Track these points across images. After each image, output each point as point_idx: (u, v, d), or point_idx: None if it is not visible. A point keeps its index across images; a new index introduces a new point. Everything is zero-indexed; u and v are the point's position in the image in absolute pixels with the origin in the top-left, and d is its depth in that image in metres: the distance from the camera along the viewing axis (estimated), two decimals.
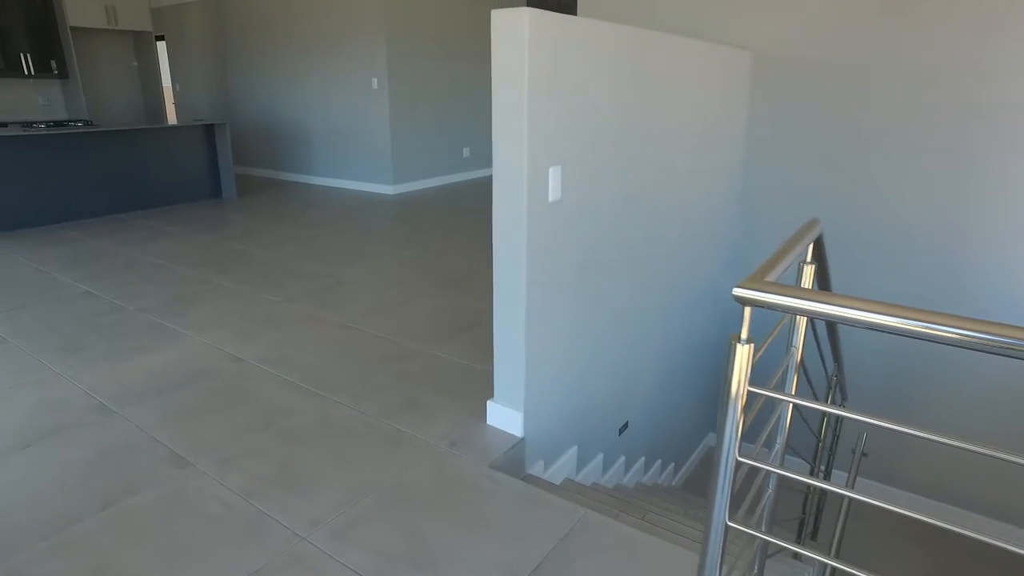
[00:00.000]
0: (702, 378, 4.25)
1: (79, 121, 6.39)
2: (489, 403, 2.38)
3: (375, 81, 6.87)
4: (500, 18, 2.02)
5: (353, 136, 7.27)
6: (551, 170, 2.19)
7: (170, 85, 9.52)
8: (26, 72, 7.06)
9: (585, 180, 2.38)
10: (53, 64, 7.26)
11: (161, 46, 9.07)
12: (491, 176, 2.24)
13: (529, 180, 2.10)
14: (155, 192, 6.43)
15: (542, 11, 2.02)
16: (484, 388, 2.69)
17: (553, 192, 2.23)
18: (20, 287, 4.02)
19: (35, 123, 6.27)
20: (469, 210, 6.34)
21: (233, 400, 2.59)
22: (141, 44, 8.03)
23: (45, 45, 7.19)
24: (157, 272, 4.30)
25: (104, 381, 2.75)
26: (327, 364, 2.91)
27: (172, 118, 9.80)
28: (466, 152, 8.10)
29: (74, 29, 7.28)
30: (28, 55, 7.04)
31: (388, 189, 7.15)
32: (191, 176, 6.72)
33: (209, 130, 6.81)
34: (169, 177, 6.53)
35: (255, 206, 6.54)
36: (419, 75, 7.20)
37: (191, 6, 8.84)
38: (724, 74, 3.56)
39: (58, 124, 5.93)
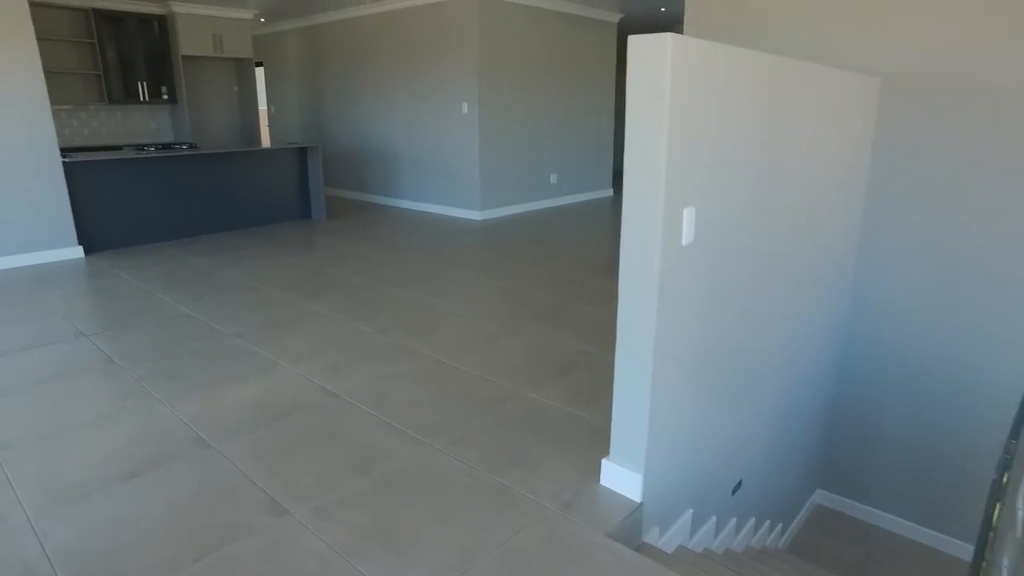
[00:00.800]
0: (811, 429, 3.89)
1: (184, 144, 6.67)
2: (604, 462, 2.17)
3: (465, 106, 6.86)
4: (639, 45, 1.84)
5: (441, 160, 7.28)
6: (685, 211, 1.99)
7: (265, 108, 9.89)
8: (141, 99, 7.45)
9: (717, 222, 2.16)
10: (164, 90, 7.64)
11: (259, 71, 9.44)
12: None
13: (664, 222, 1.91)
14: (250, 212, 6.60)
15: (685, 37, 1.83)
16: (592, 440, 2.48)
17: (687, 235, 2.02)
18: (127, 307, 4.12)
19: (146, 146, 6.59)
20: (558, 239, 6.18)
21: (328, 439, 2.48)
22: (242, 70, 8.37)
23: (159, 73, 7.58)
24: (251, 295, 4.33)
25: (202, 411, 2.71)
26: (423, 403, 2.78)
27: (266, 139, 10.16)
28: (553, 178, 7.98)
29: (184, 58, 7.64)
30: (144, 83, 7.43)
31: (475, 215, 7.09)
32: (283, 197, 6.87)
33: (302, 152, 6.96)
34: (263, 198, 6.70)
35: (344, 228, 6.60)
36: (509, 100, 7.15)
37: (289, 33, 9.17)
38: (853, 103, 3.27)
39: (166, 147, 6.20)
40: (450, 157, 7.17)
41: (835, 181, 3.24)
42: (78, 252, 5.43)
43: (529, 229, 6.62)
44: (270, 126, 10.07)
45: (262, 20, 8.86)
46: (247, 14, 7.89)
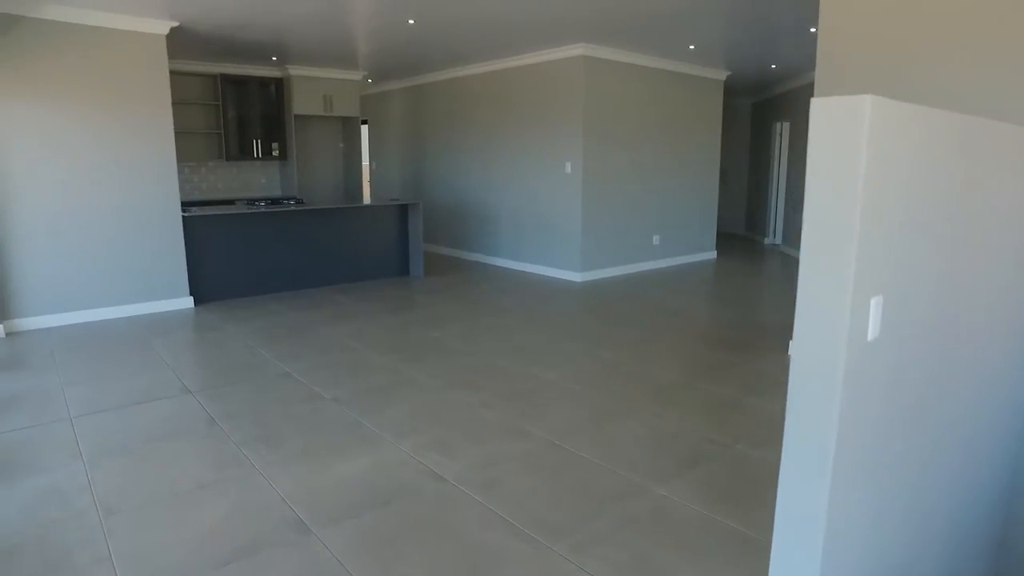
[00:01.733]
0: (982, 543, 3.30)
1: (292, 198, 6.89)
2: None
3: (568, 165, 6.74)
4: (828, 108, 1.57)
5: (541, 219, 7.14)
6: (873, 301, 1.66)
7: (367, 164, 10.19)
8: (255, 156, 7.80)
9: (906, 313, 1.81)
10: (275, 147, 7.98)
11: (362, 128, 9.77)
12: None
13: (851, 314, 1.58)
14: (350, 267, 6.66)
15: (885, 99, 1.55)
16: (739, 553, 2.12)
17: (873, 329, 1.68)
18: (231, 362, 4.11)
19: (257, 200, 6.84)
20: (665, 305, 5.84)
21: (436, 533, 2.24)
22: (348, 128, 8.66)
23: (272, 132, 7.94)
24: (351, 356, 4.23)
25: (301, 489, 2.54)
26: (538, 495, 2.50)
27: (367, 195, 10.44)
28: (656, 240, 7.68)
29: (296, 117, 7.98)
30: (258, 141, 7.80)
31: (575, 276, 6.87)
32: (383, 253, 6.91)
33: (403, 209, 7.02)
34: (363, 253, 6.75)
35: (442, 287, 6.52)
36: (612, 160, 6.98)
37: (393, 93, 9.48)
38: None
39: (275, 201, 6.41)
40: (550, 216, 7.03)
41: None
42: (189, 303, 5.58)
43: (632, 293, 6.32)
44: (371, 182, 10.36)
45: (369, 80, 9.22)
46: (357, 75, 8.20)
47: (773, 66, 7.67)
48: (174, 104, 7.24)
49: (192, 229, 5.60)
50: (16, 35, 4.61)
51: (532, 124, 7.08)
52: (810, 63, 7.54)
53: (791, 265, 8.04)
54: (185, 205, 6.66)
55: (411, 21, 5.26)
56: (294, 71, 7.68)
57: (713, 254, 8.66)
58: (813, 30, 5.62)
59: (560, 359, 4.20)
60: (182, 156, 7.37)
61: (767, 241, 10.30)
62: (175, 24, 5.23)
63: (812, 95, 8.40)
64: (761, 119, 10.43)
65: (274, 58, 7.08)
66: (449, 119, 8.34)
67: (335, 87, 8.08)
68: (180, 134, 7.35)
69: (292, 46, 6.44)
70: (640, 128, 7.24)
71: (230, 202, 7.42)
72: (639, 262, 7.53)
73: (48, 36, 4.74)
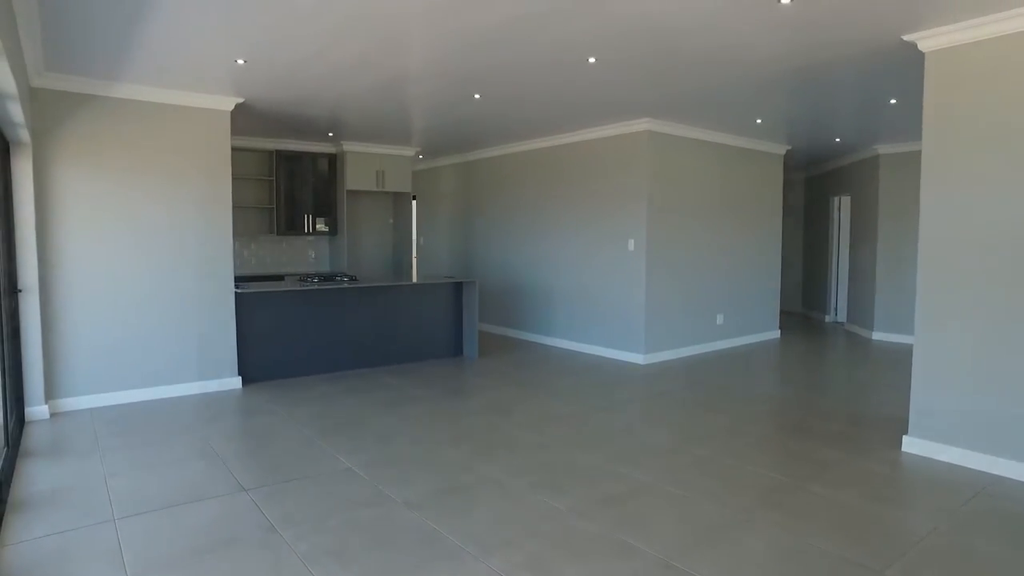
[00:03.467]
0: None
1: (343, 275, 6.70)
2: None
3: (632, 242, 6.46)
4: None
5: (601, 298, 6.81)
6: None
7: (414, 239, 10.08)
8: (306, 231, 7.71)
9: None
10: (325, 223, 7.90)
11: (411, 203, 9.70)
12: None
13: None
14: (402, 347, 6.37)
15: None
16: None
17: None
18: (286, 453, 3.76)
19: (308, 276, 6.66)
20: (740, 391, 5.39)
21: None
22: (398, 203, 8.58)
23: (323, 206, 7.88)
24: (416, 449, 3.85)
25: None
26: None
27: (414, 270, 10.29)
28: (720, 319, 7.28)
29: (348, 192, 7.93)
30: (310, 216, 7.72)
31: (638, 358, 6.46)
32: (436, 333, 6.62)
33: (457, 287, 6.77)
34: (416, 333, 6.47)
35: (500, 369, 6.16)
36: (676, 237, 6.70)
37: (443, 169, 9.45)
38: None
39: (327, 278, 6.23)
40: (611, 295, 6.70)
41: None
42: (236, 383, 5.30)
43: (703, 377, 5.88)
44: (418, 258, 10.23)
45: (420, 157, 9.22)
46: (409, 151, 8.18)
47: (837, 140, 7.43)
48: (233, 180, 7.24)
49: (243, 306, 5.40)
50: (85, 113, 4.59)
51: (592, 200, 6.88)
52: (876, 136, 7.29)
53: (862, 344, 7.52)
54: (236, 280, 6.52)
55: (477, 96, 5.15)
56: (348, 147, 7.67)
57: (777, 333, 8.20)
58: (893, 101, 5.38)
59: (646, 454, 3.76)
60: (235, 231, 7.30)
61: (828, 318, 9.80)
62: (240, 100, 5.20)
63: (877, 168, 8.15)
64: (816, 193, 10.14)
65: (330, 134, 7.08)
66: (501, 195, 8.22)
67: (387, 163, 8.05)
68: (234, 208, 7.30)
69: (348, 122, 6.41)
70: (703, 204, 6.98)
71: (279, 277, 7.27)
72: (703, 343, 7.11)
73: (116, 113, 4.71)
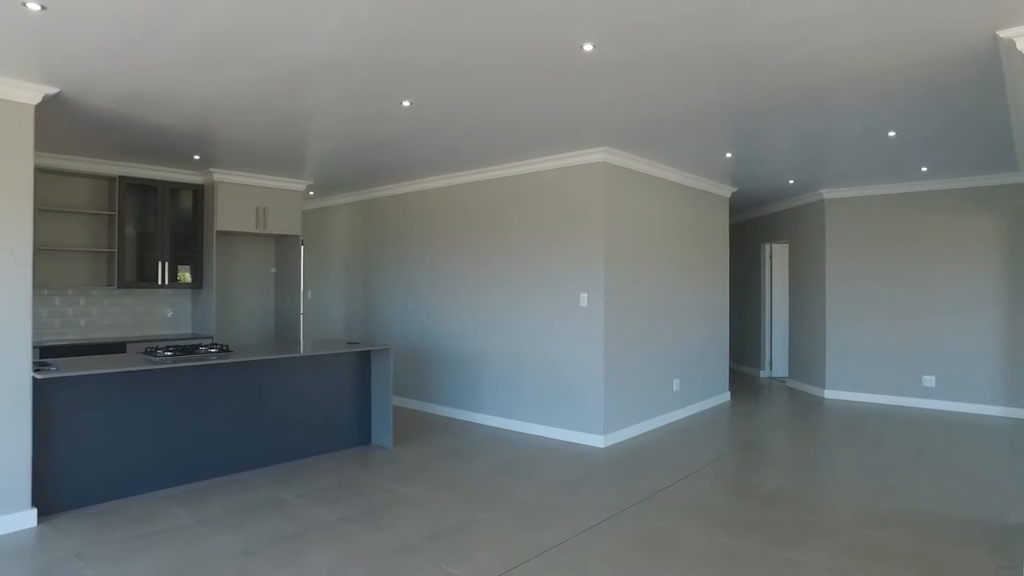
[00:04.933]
0: None
1: (213, 344, 4.99)
2: None
3: (584, 297, 5.28)
4: None
5: (550, 366, 5.52)
6: None
7: (302, 293, 8.37)
8: (160, 282, 5.89)
9: None
10: (188, 272, 6.13)
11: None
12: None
13: None
14: (292, 440, 4.73)
15: None
16: None
17: None
18: None
19: (160, 345, 4.88)
20: (743, 484, 4.27)
21: None
22: (284, 249, 6.95)
23: (184, 252, 6.12)
24: None
25: None
26: None
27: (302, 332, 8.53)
28: (676, 384, 6.22)
29: (219, 234, 6.24)
30: (165, 263, 5.92)
31: (598, 440, 5.20)
32: (337, 417, 5.04)
33: (363, 357, 5.25)
34: (310, 419, 4.86)
35: (425, 465, 4.67)
36: (633, 292, 5.61)
37: (338, 208, 7.93)
38: None
39: (187, 349, 4.48)
40: (561, 362, 5.44)
41: None
42: (27, 519, 3.45)
43: (683, 463, 4.71)
44: (304, 316, 8.49)
45: (311, 193, 7.66)
46: (300, 185, 6.63)
47: (791, 181, 6.76)
48: (52, 213, 5.37)
49: (49, 397, 3.62)
50: None
51: (536, 246, 5.66)
52: (822, 180, 6.69)
53: (820, 405, 6.74)
54: (45, 354, 4.67)
55: (406, 103, 3.81)
56: (220, 176, 6.01)
57: (727, 396, 7.29)
58: (892, 134, 4.64)
59: None
60: (54, 281, 5.39)
61: (763, 374, 9.13)
62: (52, 91, 3.54)
63: (822, 213, 7.56)
64: (743, 240, 9.58)
65: (196, 157, 5.42)
66: (417, 239, 6.81)
67: (271, 198, 6.45)
68: (55, 252, 5.41)
69: (220, 142, 4.83)
70: (658, 251, 5.98)
71: (120, 346, 5.40)
72: (661, 414, 6.01)
73: None
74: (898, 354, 6.97)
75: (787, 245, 8.77)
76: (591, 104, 3.88)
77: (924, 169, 6.04)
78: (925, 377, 6.82)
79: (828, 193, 7.35)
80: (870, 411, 6.63)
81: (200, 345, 4.65)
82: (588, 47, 2.93)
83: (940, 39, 2.95)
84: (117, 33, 2.80)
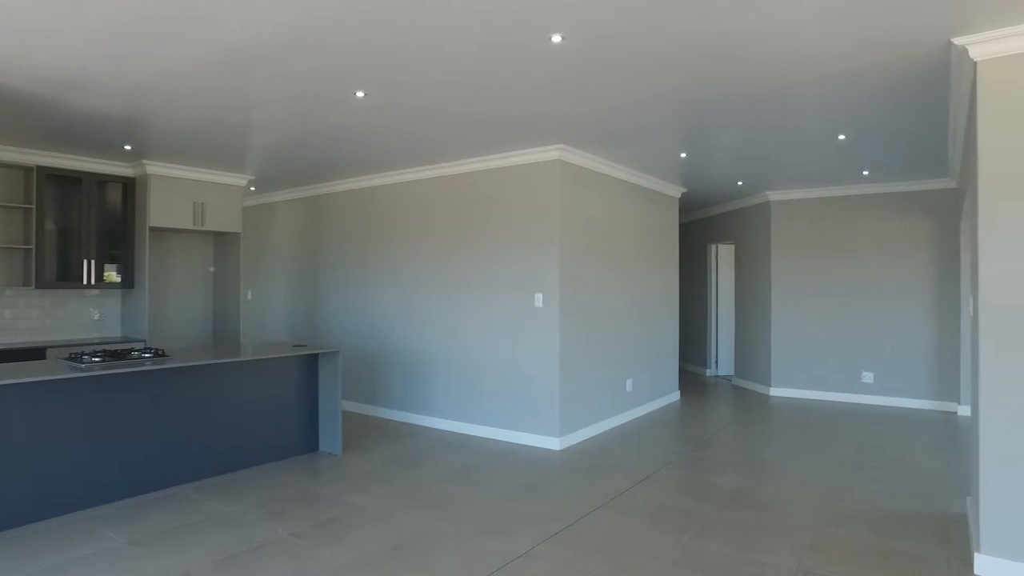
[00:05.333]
0: None
1: (146, 348, 4.64)
2: None
3: (539, 298, 5.19)
4: None
5: (505, 368, 5.40)
6: None
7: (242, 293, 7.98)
8: (85, 282, 5.47)
9: None
10: (117, 271, 5.72)
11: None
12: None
13: None
14: (234, 449, 4.46)
15: None
16: None
17: None
18: None
19: (83, 351, 4.51)
20: (706, 484, 4.27)
21: None
22: (223, 247, 6.59)
23: (115, 250, 5.71)
24: None
25: None
26: None
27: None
28: (629, 384, 6.22)
29: (152, 230, 5.85)
30: (91, 261, 5.51)
31: (554, 442, 5.12)
32: (282, 424, 4.79)
33: (310, 361, 5.01)
34: (254, 427, 4.60)
35: (377, 472, 4.49)
36: (588, 291, 5.56)
37: (280, 205, 7.60)
38: None
39: (117, 354, 4.14)
40: (515, 363, 5.33)
41: None
42: None
43: (643, 464, 4.69)
44: (243, 317, 8.09)
45: (252, 189, 7.30)
46: (241, 179, 6.30)
47: (740, 183, 6.88)
48: None
49: None
50: None
51: (490, 245, 5.54)
52: (768, 182, 6.83)
53: (767, 402, 6.88)
54: None
55: (360, 94, 3.63)
56: (154, 168, 5.64)
57: (678, 395, 7.36)
58: (842, 137, 4.74)
59: None
60: None
61: (709, 372, 9.29)
62: None
63: (768, 215, 7.74)
64: (690, 240, 9.73)
65: (127, 147, 5.05)
66: (366, 238, 6.58)
67: (210, 193, 6.10)
68: None
69: (155, 130, 4.51)
70: (612, 250, 5.95)
71: (39, 352, 4.98)
72: (616, 414, 5.99)
73: None
74: (839, 352, 7.19)
75: (733, 246, 8.94)
76: (551, 99, 3.79)
77: (866, 173, 6.23)
78: (864, 373, 7.06)
79: (773, 195, 7.52)
80: (814, 408, 6.81)
81: (132, 350, 4.32)
82: (556, 38, 2.83)
83: (901, 44, 3.00)
84: (35, 6, 2.52)
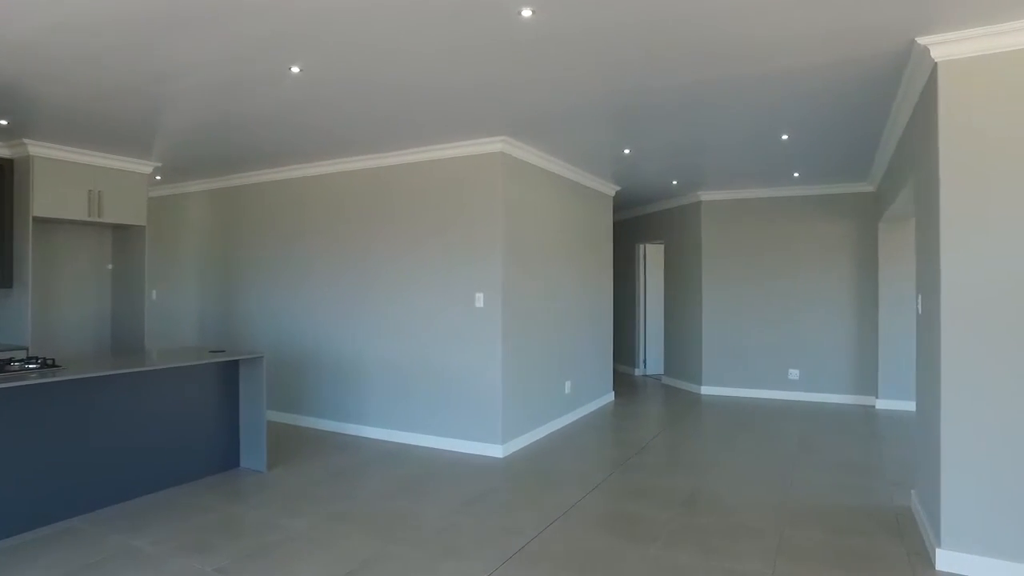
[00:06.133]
0: None
1: (30, 357, 3.98)
2: None
3: (480, 298, 4.92)
4: None
5: (443, 372, 5.08)
6: None
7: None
8: None
9: None
10: None
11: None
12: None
13: None
14: (143, 471, 3.91)
15: None
16: None
17: None
18: None
19: None
20: (661, 489, 4.13)
21: None
22: (123, 241, 5.90)
23: None
24: None
25: None
26: None
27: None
28: (568, 387, 6.05)
29: (36, 221, 5.14)
30: None
31: (496, 450, 4.85)
32: (198, 439, 4.27)
33: (230, 368, 4.52)
34: (166, 444, 4.06)
35: (309, 492, 4.06)
36: (529, 291, 5.34)
37: (191, 196, 6.93)
38: None
39: None
40: (454, 367, 5.03)
41: None
42: None
43: (590, 470, 4.51)
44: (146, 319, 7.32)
45: (158, 178, 6.60)
46: (146, 167, 5.64)
47: (675, 182, 6.87)
48: None
49: None
50: None
51: (427, 242, 5.20)
52: (701, 182, 6.88)
53: (698, 401, 6.93)
54: None
55: (295, 69, 3.23)
56: (37, 149, 4.93)
57: (612, 396, 7.29)
58: (785, 137, 4.76)
59: None
60: None
61: (637, 372, 9.33)
62: None
63: (699, 215, 7.80)
64: (618, 240, 9.73)
65: (2, 122, 4.36)
66: (288, 234, 6.07)
67: (108, 180, 5.43)
68: None
69: (40, 102, 3.89)
70: (550, 248, 5.77)
71: None
72: (555, 418, 5.80)
73: None
74: (768, 350, 7.35)
75: (662, 245, 9.00)
76: (499, 83, 3.54)
77: (796, 175, 6.37)
78: (791, 370, 7.24)
79: (705, 195, 7.59)
80: (745, 405, 6.91)
81: (12, 360, 3.70)
82: (527, 12, 2.58)
83: (863, 40, 2.95)
84: None
